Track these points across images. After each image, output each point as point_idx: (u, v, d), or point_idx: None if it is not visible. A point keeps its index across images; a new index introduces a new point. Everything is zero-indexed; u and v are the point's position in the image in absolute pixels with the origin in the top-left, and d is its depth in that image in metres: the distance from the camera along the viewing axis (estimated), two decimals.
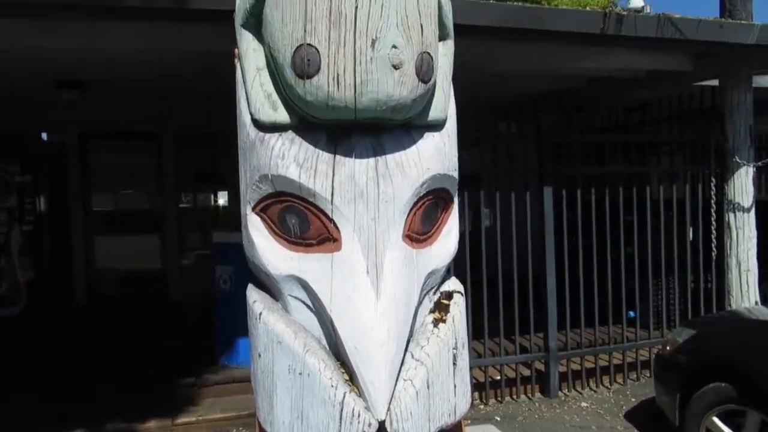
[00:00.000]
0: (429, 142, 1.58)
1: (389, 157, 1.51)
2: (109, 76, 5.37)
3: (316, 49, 1.37)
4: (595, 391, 5.17)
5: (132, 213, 8.98)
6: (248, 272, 1.68)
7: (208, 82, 4.54)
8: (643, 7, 8.29)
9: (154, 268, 8.66)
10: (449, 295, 1.71)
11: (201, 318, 5.90)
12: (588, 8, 4.69)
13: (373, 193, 1.48)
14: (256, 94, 1.53)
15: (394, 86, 1.41)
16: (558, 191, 4.87)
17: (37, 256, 8.07)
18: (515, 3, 3.57)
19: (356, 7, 1.37)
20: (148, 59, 4.41)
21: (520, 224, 4.77)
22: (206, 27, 2.95)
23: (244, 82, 1.57)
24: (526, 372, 5.04)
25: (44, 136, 9.64)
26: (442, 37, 1.63)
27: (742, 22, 4.50)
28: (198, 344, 5.35)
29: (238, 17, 1.58)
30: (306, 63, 1.38)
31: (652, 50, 4.45)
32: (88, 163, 8.36)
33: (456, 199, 1.71)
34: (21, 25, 3.00)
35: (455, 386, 1.60)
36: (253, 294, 1.65)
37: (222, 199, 9.38)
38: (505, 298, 4.82)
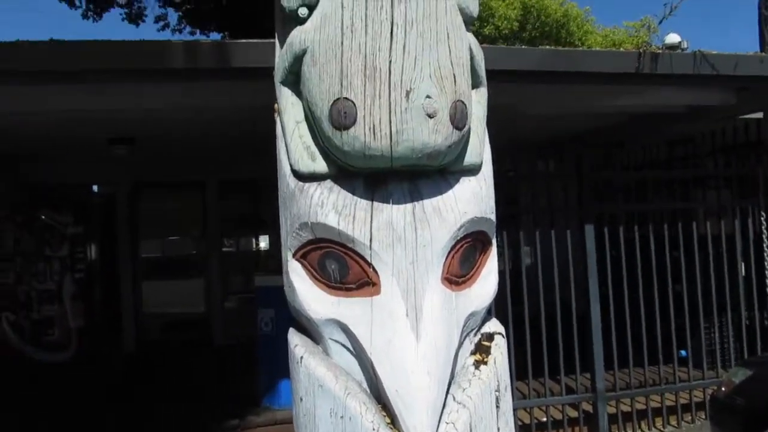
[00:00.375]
0: (465, 186, 1.61)
1: (426, 202, 1.55)
2: (156, 132, 5.65)
3: (353, 102, 1.44)
4: None
5: (177, 259, 9.28)
6: (289, 315, 1.72)
7: (248, 133, 4.71)
8: (679, 42, 8.23)
9: (198, 312, 8.84)
10: (490, 337, 1.70)
11: (244, 361, 5.96)
12: (622, 48, 4.70)
13: (411, 237, 1.51)
14: (296, 145, 1.60)
15: (429, 134, 1.45)
16: (600, 229, 4.79)
17: (88, 303, 8.34)
18: (549, 47, 3.62)
19: (390, 62, 1.44)
20: (192, 114, 4.63)
21: (561, 263, 4.70)
22: (245, 83, 3.09)
23: (284, 135, 1.64)
24: (574, 413, 4.88)
25: (95, 187, 10.08)
26: (475, 84, 1.68)
27: None
28: (241, 387, 5.39)
29: (278, 75, 1.66)
30: (343, 115, 1.44)
31: (691, 86, 4.42)
32: (136, 213, 8.72)
33: (494, 242, 1.72)
34: (75, 89, 3.21)
35: (499, 429, 1.58)
36: (294, 338, 1.68)
37: (263, 242, 9.57)
38: (549, 338, 4.72)
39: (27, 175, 7.47)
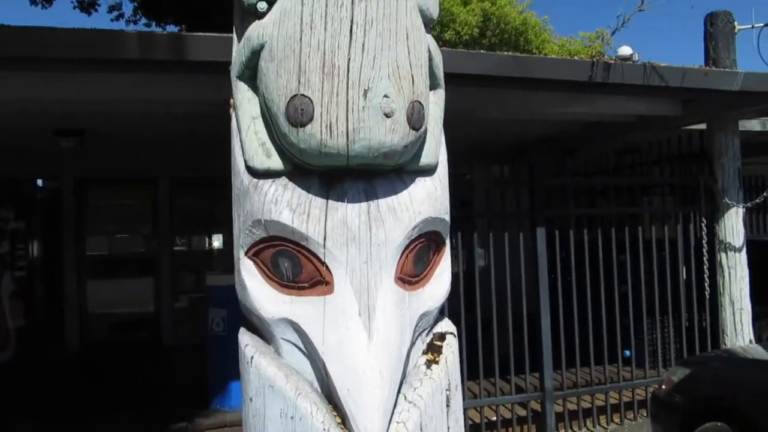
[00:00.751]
0: (420, 186, 1.62)
1: (381, 201, 1.55)
2: (107, 125, 5.46)
3: (310, 99, 1.43)
4: (592, 431, 5.10)
5: (126, 257, 8.96)
6: (241, 315, 1.69)
7: (203, 128, 4.62)
8: (631, 54, 8.53)
9: (147, 312, 8.60)
10: (442, 337, 1.72)
11: (193, 362, 5.83)
12: (576, 57, 4.84)
13: (366, 236, 1.51)
14: (251, 142, 1.57)
15: (385, 133, 1.45)
16: (551, 232, 4.92)
17: (29, 302, 8.00)
18: (506, 53, 3.69)
19: (349, 59, 1.43)
20: (145, 107, 4.50)
21: (513, 265, 4.80)
22: (202, 77, 3.03)
23: (239, 130, 1.62)
24: (522, 412, 4.99)
25: (39, 182, 9.69)
26: (433, 86, 1.69)
27: (726, 70, 4.66)
28: (190, 388, 5.27)
29: (234, 69, 1.64)
30: (300, 112, 1.43)
31: (640, 97, 4.58)
32: (83, 208, 8.39)
33: (448, 242, 1.74)
34: (21, 76, 3.08)
35: (449, 428, 1.59)
36: (244, 338, 1.65)
37: (216, 241, 9.38)
38: (500, 338, 4.80)
39: None
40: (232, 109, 1.69)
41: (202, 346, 5.18)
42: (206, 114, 3.54)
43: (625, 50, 8.35)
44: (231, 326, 4.63)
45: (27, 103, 3.76)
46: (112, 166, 7.51)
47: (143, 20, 11.85)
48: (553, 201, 5.05)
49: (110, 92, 3.44)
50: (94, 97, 3.50)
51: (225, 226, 8.65)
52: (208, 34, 2.95)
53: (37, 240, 9.06)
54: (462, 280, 4.51)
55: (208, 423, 4.66)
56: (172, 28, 11.83)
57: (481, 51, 3.57)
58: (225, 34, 3.08)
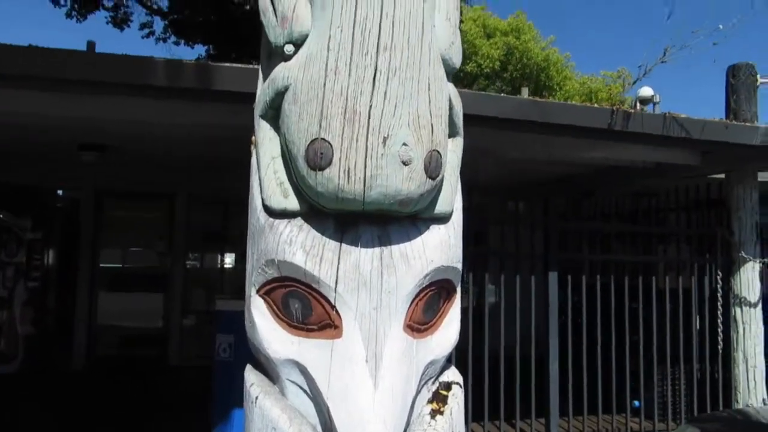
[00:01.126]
0: (434, 234, 1.63)
1: (394, 247, 1.55)
2: (129, 141, 5.56)
3: (330, 143, 1.45)
4: None
5: (139, 271, 9.03)
6: (247, 343, 1.69)
7: (222, 150, 4.68)
8: (652, 96, 8.53)
9: (156, 328, 8.60)
10: (448, 386, 1.70)
11: (197, 384, 5.79)
12: (596, 104, 4.84)
13: (377, 282, 1.51)
14: (269, 181, 1.59)
15: (402, 181, 1.47)
16: (564, 276, 4.87)
17: (40, 312, 8.05)
18: (526, 97, 3.71)
19: (370, 106, 1.45)
20: (168, 128, 4.58)
21: (524, 305, 4.75)
22: (225, 105, 3.09)
23: (259, 169, 1.64)
24: None
25: (59, 191, 9.83)
26: (452, 134, 1.71)
27: (747, 124, 4.64)
28: (193, 411, 5.23)
29: (258, 108, 1.67)
30: (319, 156, 1.45)
31: (659, 145, 4.57)
32: (101, 220, 8.48)
33: (459, 290, 1.74)
34: (48, 96, 3.15)
35: None
36: (250, 376, 1.65)
37: (228, 260, 9.43)
38: (506, 379, 4.73)
39: None
40: (253, 147, 1.72)
41: (209, 368, 5.15)
42: (227, 137, 3.60)
43: (647, 91, 8.36)
44: (237, 352, 4.60)
45: (53, 120, 3.84)
46: (131, 180, 7.61)
47: (173, 38, 12.11)
48: (568, 243, 5.02)
49: (135, 114, 3.51)
50: (120, 117, 3.58)
51: (238, 245, 8.80)
52: (233, 65, 3.02)
53: (53, 249, 9.16)
54: (471, 316, 4.47)
55: None
56: (200, 47, 12.09)
57: (501, 94, 3.59)
58: (249, 66, 3.16)
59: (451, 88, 1.70)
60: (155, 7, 11.94)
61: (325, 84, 1.47)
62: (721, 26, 4.41)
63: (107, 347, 8.27)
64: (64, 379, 7.42)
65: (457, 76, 1.79)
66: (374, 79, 1.47)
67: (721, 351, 5.21)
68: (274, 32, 1.59)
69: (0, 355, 7.23)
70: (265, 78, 1.71)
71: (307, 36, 1.54)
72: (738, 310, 5.11)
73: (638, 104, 8.48)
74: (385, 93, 1.47)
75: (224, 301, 4.98)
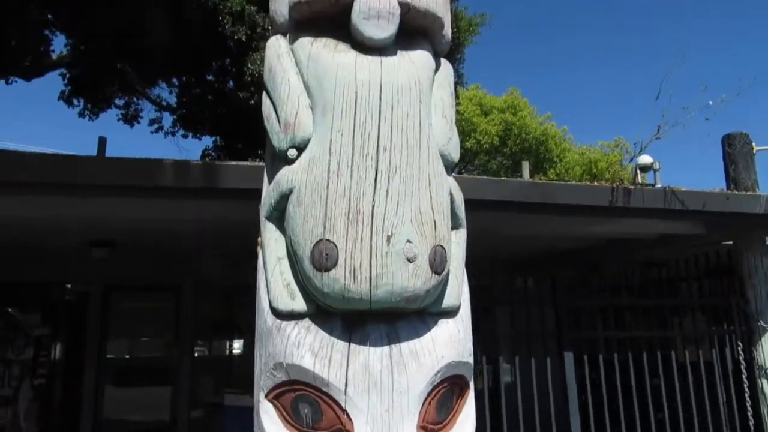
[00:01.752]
0: (443, 329, 1.61)
1: (403, 345, 1.54)
2: (137, 237, 5.63)
3: (335, 244, 1.46)
4: None
5: (146, 362, 8.89)
6: None
7: (228, 241, 4.72)
8: (651, 163, 8.65)
9: (163, 421, 8.35)
10: None
11: None
12: (596, 174, 4.90)
13: (387, 382, 1.49)
14: (276, 282, 1.60)
15: (408, 278, 1.47)
16: (579, 354, 4.74)
17: (46, 408, 7.84)
18: (525, 179, 3.78)
19: (373, 206, 1.49)
20: (175, 224, 4.66)
21: (541, 386, 4.59)
22: (231, 201, 3.16)
23: (265, 270, 1.65)
24: None
25: (68, 285, 9.84)
26: (455, 226, 1.73)
27: (749, 193, 4.66)
28: None
29: (264, 210, 1.70)
30: (324, 257, 1.47)
31: (662, 218, 4.58)
32: (108, 313, 8.43)
33: (472, 385, 1.70)
34: (62, 198, 3.23)
35: None
36: None
37: (237, 349, 9.30)
38: None
39: None
40: (259, 248, 1.74)
41: None
42: (232, 230, 3.65)
43: (646, 159, 8.49)
44: None
45: (65, 220, 3.92)
46: (139, 272, 7.63)
47: (181, 131, 12.53)
48: (580, 320, 4.92)
49: (144, 213, 3.59)
50: (129, 216, 3.65)
51: (245, 334, 8.69)
52: (238, 163, 3.12)
53: (60, 343, 9.05)
54: (487, 399, 4.31)
55: None
56: (207, 139, 12.48)
57: (502, 177, 3.65)
58: (253, 163, 3.26)
59: (451, 182, 1.74)
60: (164, 103, 12.45)
61: (328, 186, 1.51)
62: (710, 102, 4.53)
63: None
64: None
65: (457, 185, 1.83)
66: (376, 179, 1.51)
67: (753, 427, 4.97)
68: (278, 138, 1.66)
69: None
70: (270, 180, 1.75)
71: (309, 140, 1.60)
72: (764, 381, 4.93)
73: (638, 172, 8.59)
74: (387, 192, 1.50)
75: (233, 396, 4.87)
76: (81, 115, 11.76)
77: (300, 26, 1.72)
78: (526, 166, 7.05)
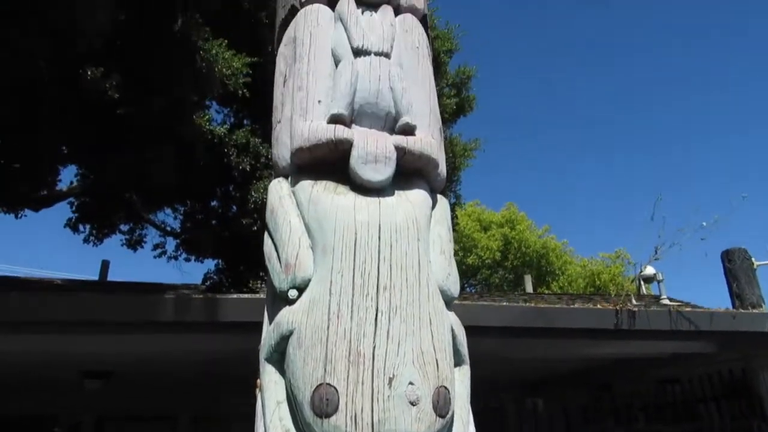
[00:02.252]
0: None
1: None
2: (134, 368, 5.51)
3: (335, 388, 1.43)
4: None
5: None
6: None
7: (225, 370, 4.61)
8: (655, 274, 8.64)
9: None
10: None
11: None
12: (600, 285, 4.87)
13: None
14: (275, 429, 1.54)
15: (411, 423, 1.42)
16: None
17: None
18: (528, 305, 3.77)
19: (374, 347, 1.47)
20: (172, 355, 4.58)
21: None
22: (229, 335, 3.13)
23: (264, 414, 1.59)
24: None
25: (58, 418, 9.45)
26: (457, 362, 1.69)
27: (755, 311, 4.61)
28: None
29: (263, 351, 1.68)
30: (325, 403, 1.42)
31: (669, 339, 4.50)
32: None
33: None
34: (59, 336, 3.21)
35: None
36: None
37: None
38: None
39: None
40: (258, 390, 1.70)
41: None
42: (230, 359, 3.57)
43: (649, 270, 8.49)
44: None
45: (60, 355, 3.85)
46: (133, 404, 7.38)
47: (184, 255, 12.65)
48: None
49: (142, 346, 3.53)
50: (127, 350, 3.59)
51: None
52: (237, 296, 3.14)
53: None
54: None
55: None
56: (210, 262, 12.58)
57: (504, 303, 3.65)
58: (252, 296, 3.27)
59: (452, 318, 1.73)
60: (168, 228, 12.70)
61: (328, 327, 1.50)
62: (704, 223, 4.63)
63: None
64: None
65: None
66: (376, 319, 1.50)
67: None
68: (279, 278, 1.67)
69: None
70: (270, 319, 1.74)
71: (309, 281, 1.61)
72: None
73: (642, 283, 8.57)
74: (388, 332, 1.49)
75: None
76: (86, 241, 11.95)
77: (301, 170, 1.80)
78: (528, 280, 7.05)
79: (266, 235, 1.82)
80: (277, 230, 1.75)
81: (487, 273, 23.40)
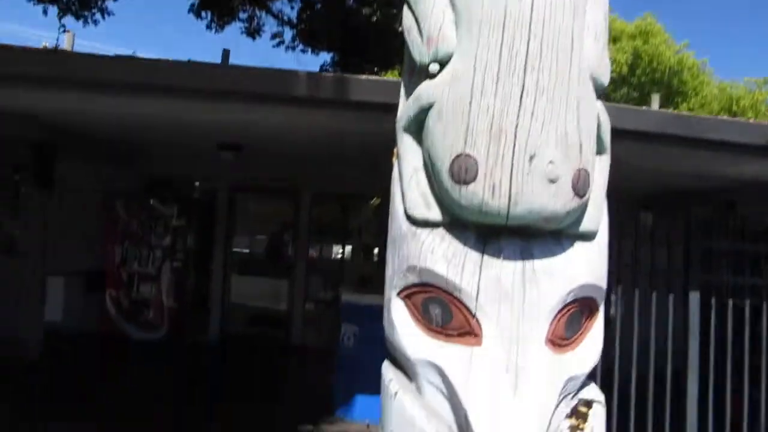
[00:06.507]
0: (579, 251, 1.61)
1: (537, 262, 1.56)
2: (264, 142, 5.97)
3: (475, 159, 1.48)
4: None
5: (266, 258, 9.78)
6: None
7: (347, 150, 4.86)
8: None
9: (280, 311, 9.21)
10: (588, 404, 1.67)
11: (319, 366, 6.21)
12: (737, 111, 4.40)
13: (519, 295, 1.54)
14: (412, 191, 1.66)
15: (548, 198, 1.47)
16: (706, 298, 4.45)
17: (182, 290, 8.90)
18: (670, 111, 3.48)
19: (516, 125, 1.47)
20: (303, 132, 4.85)
21: (659, 323, 4.41)
22: (358, 113, 3.24)
23: (401, 180, 1.70)
24: None
25: (197, 183, 10.78)
26: (599, 151, 1.68)
27: None
28: (316, 392, 5.60)
29: (402, 121, 1.73)
30: (464, 171, 1.49)
31: None
32: (234, 211, 9.25)
33: (602, 309, 1.71)
34: (194, 103, 3.46)
35: None
36: (388, 372, 1.73)
37: (348, 252, 9.93)
38: (638, 406, 4.39)
39: (143, 167, 8.13)
40: (395, 158, 1.79)
41: (327, 351, 5.46)
42: (354, 140, 3.75)
43: None
44: (361, 342, 4.87)
45: (198, 126, 4.19)
46: (262, 176, 8.20)
47: (300, 46, 12.80)
48: (711, 265, 4.56)
49: (275, 120, 3.76)
50: (259, 123, 3.85)
51: (355, 238, 9.30)
52: (368, 77, 3.17)
53: (193, 235, 10.08)
54: (618, 327, 4.23)
55: (332, 430, 4.89)
56: (325, 55, 12.69)
57: (644, 107, 3.39)
58: (382, 78, 3.30)
59: (599, 106, 1.67)
60: (285, 18, 12.69)
61: (471, 102, 1.51)
62: None
63: (237, 324, 9.02)
64: (201, 351, 8.17)
65: (604, 109, 1.75)
66: (521, 98, 1.48)
67: None
68: (419, 51, 1.64)
69: (149, 324, 8.15)
70: (407, 94, 1.76)
71: (452, 55, 1.58)
72: None
73: None
74: (533, 112, 1.47)
75: (350, 294, 5.25)
76: (208, 27, 12.32)
77: None
78: (655, 99, 6.44)
79: (406, 8, 1.75)
80: (419, 2, 1.68)
81: (610, 88, 21.62)
